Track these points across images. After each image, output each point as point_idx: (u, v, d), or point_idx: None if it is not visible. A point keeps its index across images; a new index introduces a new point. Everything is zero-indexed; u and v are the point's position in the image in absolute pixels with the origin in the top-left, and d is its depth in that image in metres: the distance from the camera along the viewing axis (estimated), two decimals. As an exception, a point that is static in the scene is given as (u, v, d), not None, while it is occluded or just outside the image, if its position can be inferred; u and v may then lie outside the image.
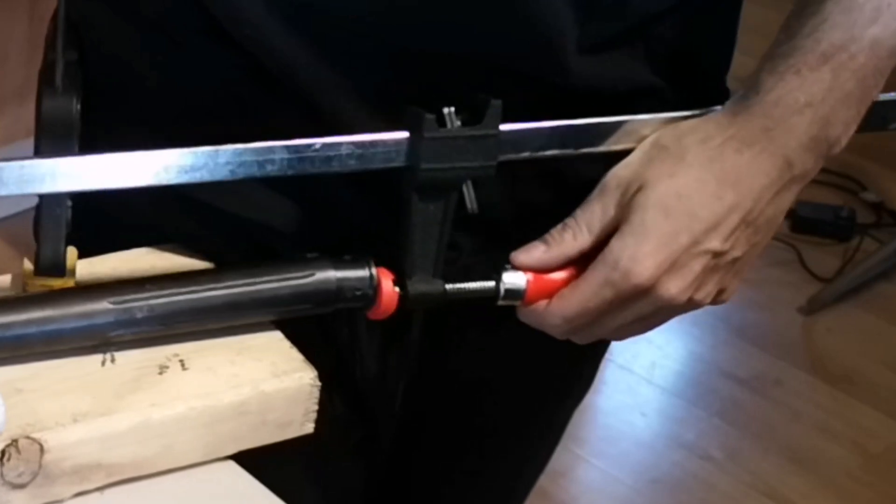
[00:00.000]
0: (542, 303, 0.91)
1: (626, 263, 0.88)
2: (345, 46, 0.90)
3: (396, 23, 0.89)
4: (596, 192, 0.90)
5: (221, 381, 0.86)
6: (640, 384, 2.44)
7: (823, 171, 3.16)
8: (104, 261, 0.93)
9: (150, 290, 0.86)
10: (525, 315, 0.93)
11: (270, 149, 0.84)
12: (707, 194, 0.88)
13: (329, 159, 0.85)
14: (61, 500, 0.82)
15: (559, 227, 0.90)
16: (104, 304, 0.85)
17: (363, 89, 0.90)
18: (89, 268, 0.92)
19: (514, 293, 0.92)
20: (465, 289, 0.91)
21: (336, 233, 0.94)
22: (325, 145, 0.85)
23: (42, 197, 0.89)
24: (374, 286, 0.90)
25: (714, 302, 0.94)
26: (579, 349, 1.11)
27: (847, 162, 2.95)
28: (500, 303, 0.92)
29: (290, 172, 0.85)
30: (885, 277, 2.73)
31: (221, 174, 0.84)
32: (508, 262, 0.92)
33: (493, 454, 1.17)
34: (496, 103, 0.87)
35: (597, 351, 1.16)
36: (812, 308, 2.64)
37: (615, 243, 0.89)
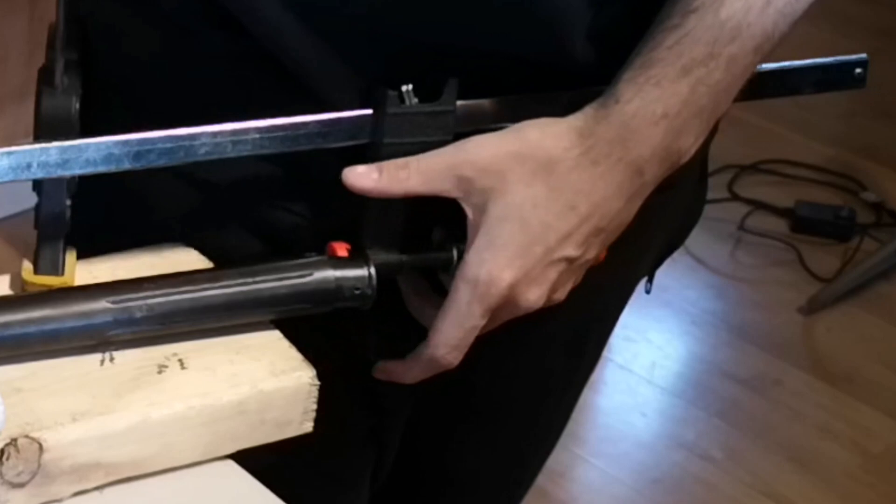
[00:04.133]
0: (421, 346, 0.93)
1: (484, 278, 0.90)
2: (356, 41, 0.91)
3: (407, 16, 0.90)
4: (450, 151, 0.90)
5: (220, 381, 0.86)
6: (640, 384, 2.44)
7: (823, 171, 3.16)
8: (103, 260, 0.93)
9: (148, 290, 0.87)
10: (415, 365, 0.94)
11: (244, 130, 0.88)
12: (562, 205, 0.89)
13: (298, 137, 0.89)
14: (60, 500, 0.82)
15: (399, 161, 0.90)
16: (103, 304, 0.85)
17: (374, 82, 0.91)
18: (88, 267, 0.92)
19: None
20: (423, 258, 0.93)
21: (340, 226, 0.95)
22: (293, 124, 0.89)
23: (41, 196, 0.89)
24: (372, 285, 0.91)
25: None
26: (580, 341, 1.12)
27: (847, 162, 2.95)
28: (454, 268, 0.92)
29: (262, 151, 0.89)
30: (885, 277, 2.73)
31: (198, 154, 0.87)
32: (461, 233, 0.92)
33: (495, 442, 1.18)
34: (452, 81, 0.90)
35: (599, 341, 1.17)
36: (812, 308, 2.64)
37: (472, 258, 0.90)
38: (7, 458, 0.79)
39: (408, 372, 0.96)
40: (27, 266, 0.89)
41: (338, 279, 0.90)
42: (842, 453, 2.34)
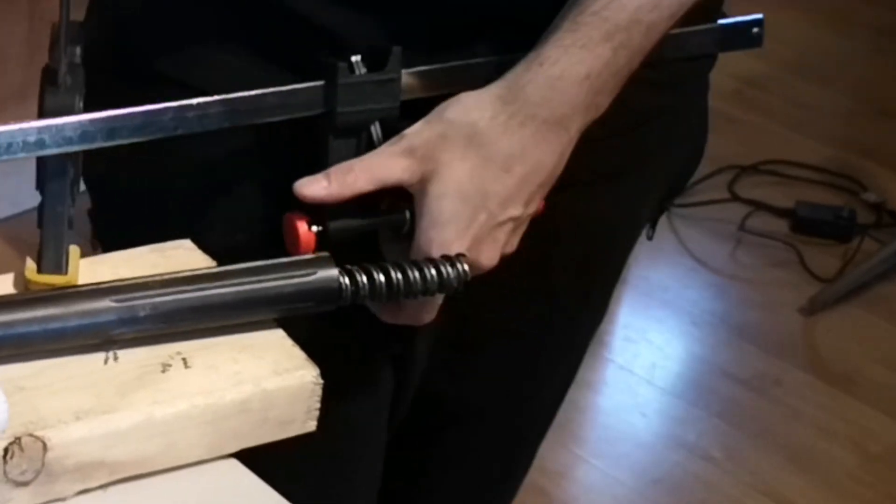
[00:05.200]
0: (399, 312, 0.96)
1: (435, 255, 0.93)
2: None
3: None
4: (386, 147, 0.94)
5: (224, 379, 0.87)
6: (641, 385, 2.44)
7: (823, 171, 3.17)
8: (106, 259, 0.94)
9: (152, 289, 0.87)
10: (389, 315, 0.98)
11: (207, 104, 0.92)
12: (497, 171, 0.93)
13: (258, 110, 0.94)
14: (64, 498, 0.82)
15: (344, 166, 0.94)
16: (107, 303, 0.86)
17: (387, 36, 0.96)
18: (92, 266, 0.92)
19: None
20: (379, 221, 0.97)
21: None
22: (252, 97, 0.94)
23: (44, 195, 0.89)
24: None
25: None
26: (586, 278, 1.15)
27: (847, 162, 2.95)
28: (406, 228, 0.96)
29: (225, 124, 0.93)
30: (885, 278, 2.73)
31: (168, 129, 0.92)
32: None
33: (506, 373, 1.19)
34: (397, 50, 0.95)
35: (604, 284, 1.20)
36: (812, 308, 2.64)
37: (421, 238, 0.93)
38: (11, 457, 0.79)
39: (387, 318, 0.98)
40: (30, 265, 0.90)
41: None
42: (841, 453, 2.34)
